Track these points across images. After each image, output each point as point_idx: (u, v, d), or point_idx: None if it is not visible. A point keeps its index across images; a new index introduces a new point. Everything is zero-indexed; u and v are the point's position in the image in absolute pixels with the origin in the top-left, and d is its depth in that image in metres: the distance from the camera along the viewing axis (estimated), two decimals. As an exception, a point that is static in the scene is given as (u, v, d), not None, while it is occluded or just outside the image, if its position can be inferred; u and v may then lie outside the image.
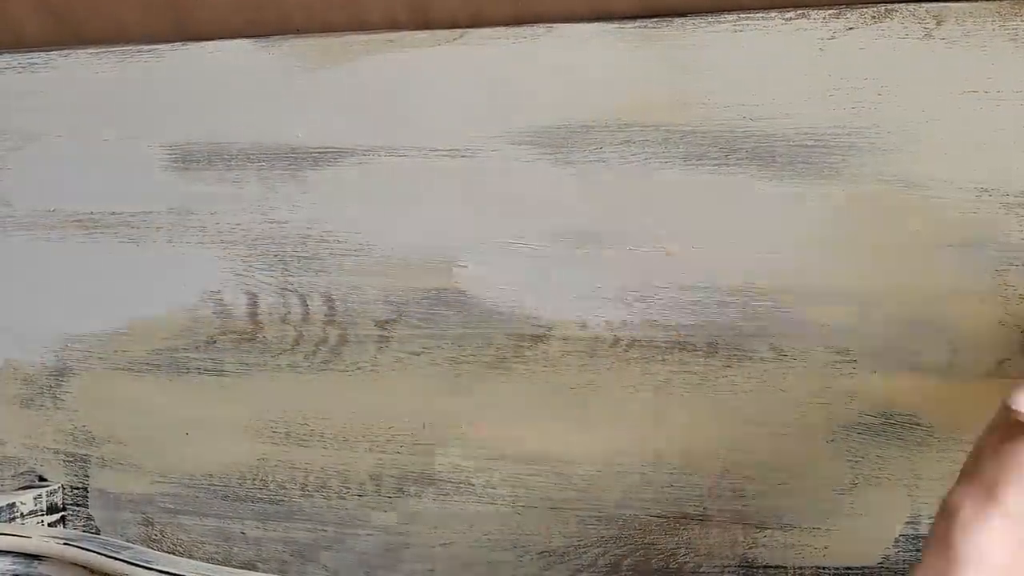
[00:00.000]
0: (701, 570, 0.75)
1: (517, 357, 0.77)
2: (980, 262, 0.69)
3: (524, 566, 0.78)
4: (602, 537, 0.76)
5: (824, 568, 0.72)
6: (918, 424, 0.71)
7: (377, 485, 0.81)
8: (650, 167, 0.74)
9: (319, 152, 0.81)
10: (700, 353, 0.74)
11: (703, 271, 0.74)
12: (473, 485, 0.79)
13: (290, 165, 0.81)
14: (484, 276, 0.78)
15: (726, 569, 0.74)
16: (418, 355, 0.79)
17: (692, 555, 0.75)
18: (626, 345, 0.75)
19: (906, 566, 0.71)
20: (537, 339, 0.77)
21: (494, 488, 0.78)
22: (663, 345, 0.75)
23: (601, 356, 0.76)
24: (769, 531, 0.73)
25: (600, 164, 0.75)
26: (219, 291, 0.83)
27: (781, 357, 0.72)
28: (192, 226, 0.84)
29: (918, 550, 0.71)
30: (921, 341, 0.70)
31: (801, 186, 0.72)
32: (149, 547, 0.84)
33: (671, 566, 0.75)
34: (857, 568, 0.72)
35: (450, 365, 0.79)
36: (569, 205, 0.76)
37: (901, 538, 0.71)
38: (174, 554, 0.84)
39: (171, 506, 0.86)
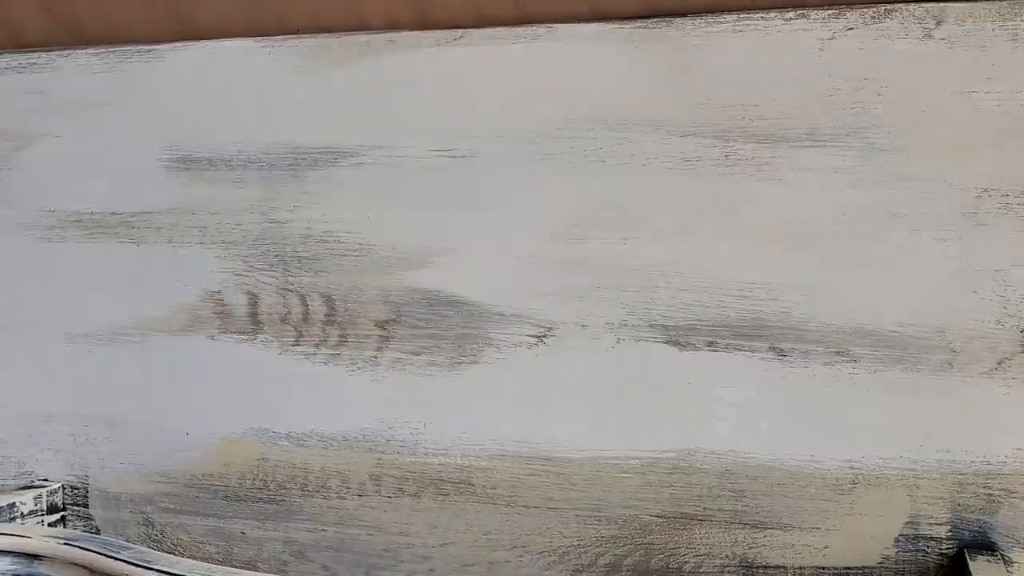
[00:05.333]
0: (701, 570, 0.75)
1: (517, 357, 0.77)
2: (980, 262, 0.69)
3: (524, 566, 0.78)
4: (602, 537, 0.76)
5: (824, 568, 0.72)
6: (918, 424, 0.71)
7: (377, 485, 0.81)
8: (650, 167, 0.74)
9: (319, 152, 0.81)
10: (700, 353, 0.74)
11: (703, 271, 0.74)
12: (473, 485, 0.79)
13: (290, 165, 0.81)
14: (484, 276, 0.78)
15: (726, 569, 0.74)
16: (418, 355, 0.79)
17: (692, 555, 0.75)
18: (626, 345, 0.75)
19: (906, 566, 0.71)
20: (537, 339, 0.77)
21: (494, 488, 0.78)
22: (663, 345, 0.75)
23: (602, 356, 0.76)
24: (769, 531, 0.73)
25: (600, 164, 0.75)
26: (219, 291, 0.83)
27: (781, 357, 0.73)
28: (192, 226, 0.84)
29: (918, 550, 0.71)
30: (921, 341, 0.70)
31: (801, 186, 0.72)
32: (149, 547, 0.84)
33: (671, 566, 0.75)
34: (857, 568, 0.72)
35: (450, 365, 0.79)
36: (569, 205, 0.76)
37: (901, 538, 0.71)
38: (174, 554, 0.84)
39: (171, 506, 0.86)
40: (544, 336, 0.77)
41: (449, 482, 0.79)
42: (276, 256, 0.82)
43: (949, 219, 0.69)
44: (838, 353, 0.72)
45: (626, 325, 0.75)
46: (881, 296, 0.71)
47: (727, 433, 0.74)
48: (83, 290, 0.87)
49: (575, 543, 0.77)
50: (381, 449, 0.81)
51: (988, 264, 0.69)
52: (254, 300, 0.83)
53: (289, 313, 0.82)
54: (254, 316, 0.83)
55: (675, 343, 0.75)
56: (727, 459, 0.74)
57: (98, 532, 0.88)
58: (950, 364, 0.70)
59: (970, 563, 0.68)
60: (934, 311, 0.70)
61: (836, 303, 0.71)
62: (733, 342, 0.73)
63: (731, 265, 0.73)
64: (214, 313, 0.84)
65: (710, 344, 0.74)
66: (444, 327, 0.79)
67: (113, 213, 0.86)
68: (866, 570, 0.72)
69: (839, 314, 0.71)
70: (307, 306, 0.81)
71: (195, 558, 0.84)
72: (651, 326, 0.75)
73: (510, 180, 0.77)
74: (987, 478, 0.70)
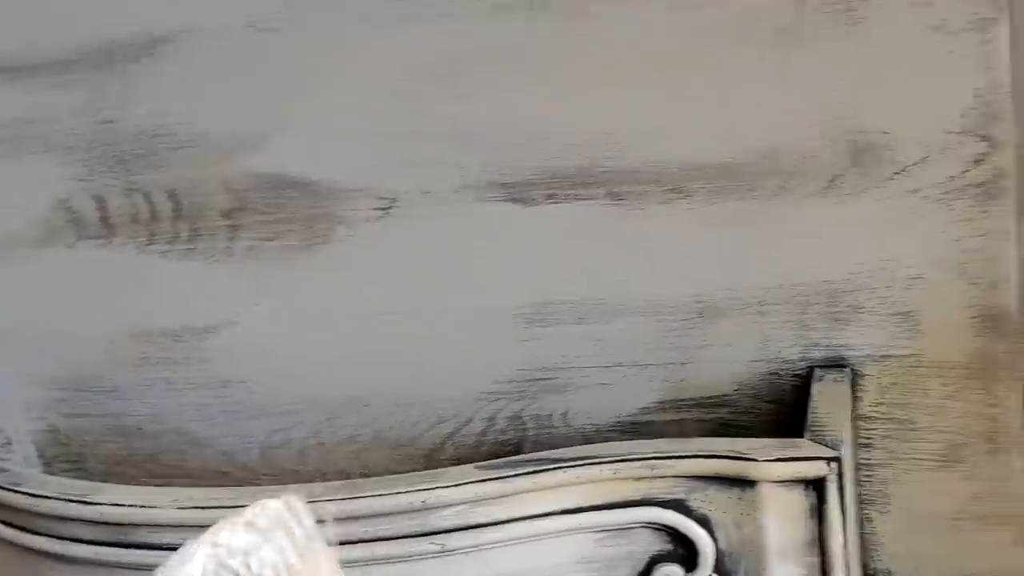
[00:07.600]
0: (569, 417, 0.76)
1: (366, 231, 0.77)
2: (802, 78, 0.67)
3: (406, 431, 0.80)
4: (476, 395, 0.78)
5: (682, 401, 0.74)
6: (759, 252, 0.71)
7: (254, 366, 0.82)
8: (469, 21, 0.71)
9: (131, 42, 0.76)
10: (543, 207, 0.73)
11: (535, 124, 0.72)
12: (340, 357, 0.80)
13: (108, 61, 0.78)
14: (321, 152, 0.76)
15: (592, 414, 0.76)
16: (271, 240, 0.79)
17: (560, 405, 0.76)
18: (471, 207, 0.74)
19: (761, 390, 0.73)
20: (383, 211, 0.76)
21: (363, 356, 0.79)
22: (506, 203, 0.74)
23: (448, 221, 0.75)
24: (625, 369, 0.74)
25: (418, 24, 0.72)
26: (68, 199, 0.82)
27: (619, 202, 0.72)
28: (34, 136, 0.82)
29: (772, 373, 0.72)
30: (753, 168, 0.69)
31: (617, 27, 0.69)
32: (57, 451, 0.87)
33: (543, 415, 0.77)
34: (715, 396, 0.74)
35: (304, 248, 0.78)
36: (395, 71, 0.73)
37: (753, 363, 0.73)
38: (82, 455, 0.86)
39: (69, 411, 0.87)
40: (389, 207, 0.76)
41: (319, 361, 0.80)
42: (115, 157, 0.80)
43: (767, 37, 0.67)
44: (672, 191, 0.71)
45: (467, 187, 0.74)
46: (707, 128, 0.69)
47: (577, 283, 0.74)
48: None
49: (450, 403, 0.79)
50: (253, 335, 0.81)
51: (812, 79, 0.67)
52: (103, 204, 0.81)
53: (137, 213, 0.80)
54: (105, 220, 0.81)
55: (517, 200, 0.74)
56: (580, 308, 0.74)
57: (9, 443, 0.90)
58: (784, 188, 0.69)
59: (813, 384, 0.69)
60: (762, 136, 0.69)
61: (665, 141, 0.70)
62: (572, 192, 0.72)
63: (560, 115, 0.72)
64: (67, 221, 0.82)
65: (550, 197, 0.73)
66: (291, 210, 0.78)
67: (-47, 131, 0.84)
68: (723, 398, 0.74)
69: (669, 151, 0.70)
70: (152, 204, 0.80)
71: (99, 456, 0.87)
72: (490, 184, 0.74)
73: (331, 51, 0.74)
74: (831, 296, 0.71)
